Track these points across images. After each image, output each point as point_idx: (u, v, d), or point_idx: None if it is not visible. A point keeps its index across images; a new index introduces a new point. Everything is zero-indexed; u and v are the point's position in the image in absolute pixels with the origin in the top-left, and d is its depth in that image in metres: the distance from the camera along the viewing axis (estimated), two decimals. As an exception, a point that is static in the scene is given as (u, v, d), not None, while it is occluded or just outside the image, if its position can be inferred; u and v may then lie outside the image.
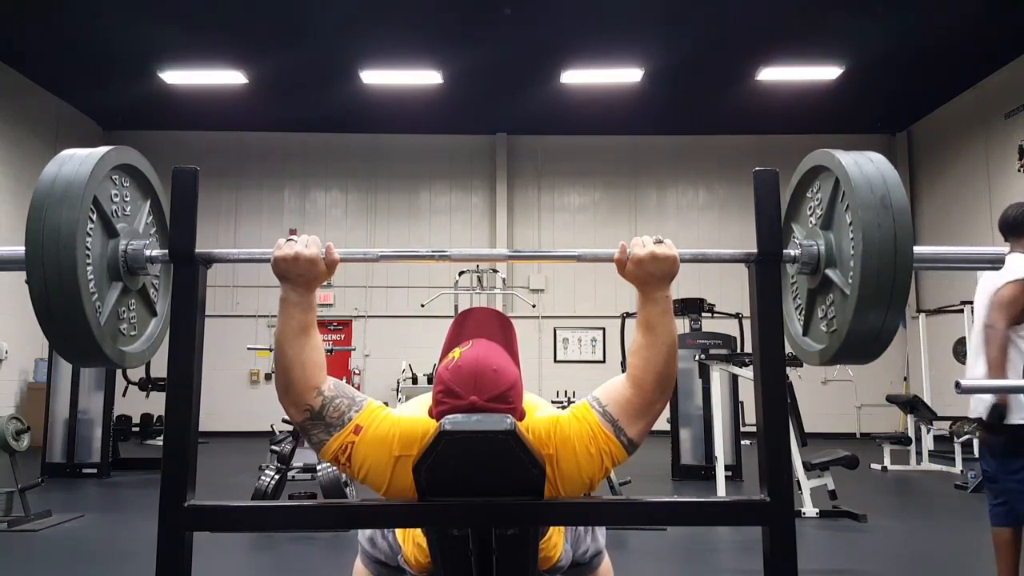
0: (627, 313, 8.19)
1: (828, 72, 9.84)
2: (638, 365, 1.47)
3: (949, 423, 8.06)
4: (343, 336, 11.81)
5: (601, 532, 1.84)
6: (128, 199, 1.57)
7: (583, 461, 1.45)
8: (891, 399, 8.50)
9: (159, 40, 9.04)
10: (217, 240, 11.51)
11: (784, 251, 1.53)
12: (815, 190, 1.60)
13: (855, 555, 4.12)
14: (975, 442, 8.21)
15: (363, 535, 1.78)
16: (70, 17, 8.47)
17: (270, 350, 7.52)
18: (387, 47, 9.25)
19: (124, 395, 7.65)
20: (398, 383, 9.01)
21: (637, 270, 1.47)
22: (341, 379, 1.55)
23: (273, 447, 4.81)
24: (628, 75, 9.91)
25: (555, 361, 11.87)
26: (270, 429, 5.58)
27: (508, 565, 1.46)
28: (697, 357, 6.11)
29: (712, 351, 6.13)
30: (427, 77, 9.98)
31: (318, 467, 4.58)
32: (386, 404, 1.58)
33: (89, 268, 1.39)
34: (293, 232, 1.49)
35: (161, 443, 1.68)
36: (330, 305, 11.76)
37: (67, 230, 1.33)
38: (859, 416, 11.60)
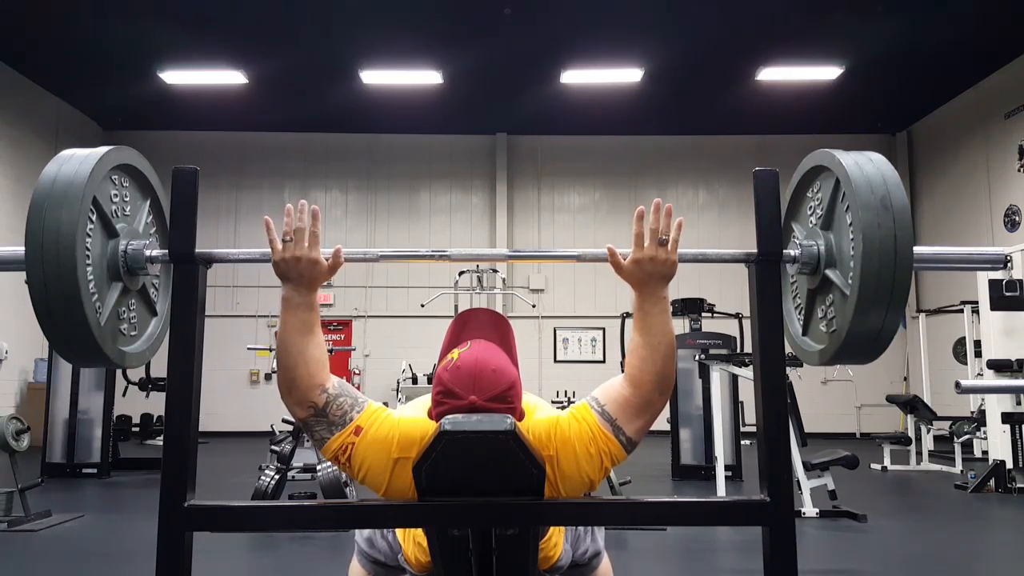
0: (627, 313, 8.19)
1: (828, 72, 9.84)
2: (635, 364, 1.47)
3: (949, 423, 8.08)
4: (343, 336, 11.81)
5: (600, 533, 1.84)
6: (128, 199, 1.57)
7: (583, 462, 1.45)
8: (891, 399, 8.50)
9: (159, 40, 9.04)
10: (217, 240, 11.50)
11: (784, 251, 1.53)
12: (815, 190, 1.60)
13: (855, 555, 4.12)
14: (975, 442, 8.23)
15: (361, 535, 1.78)
16: (70, 17, 8.47)
17: (270, 350, 7.51)
18: (387, 47, 9.25)
19: (124, 395, 7.65)
20: (398, 383, 9.02)
21: (635, 269, 1.46)
22: (341, 379, 1.55)
23: (273, 447, 4.81)
24: (628, 75, 9.91)
25: (555, 361, 11.87)
26: (270, 429, 5.58)
27: (508, 565, 1.46)
28: (697, 357, 6.11)
29: (712, 351, 6.13)
30: (427, 77, 9.97)
31: (318, 467, 4.58)
32: (385, 404, 1.58)
33: (89, 268, 1.39)
34: (293, 232, 1.49)
35: (161, 443, 1.68)
36: (330, 305, 11.76)
37: (67, 230, 1.33)
38: (859, 416, 11.61)
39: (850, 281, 1.41)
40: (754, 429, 1.55)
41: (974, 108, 10.52)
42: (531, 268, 12.00)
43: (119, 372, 7.20)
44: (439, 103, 10.87)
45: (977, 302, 6.94)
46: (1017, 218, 9.58)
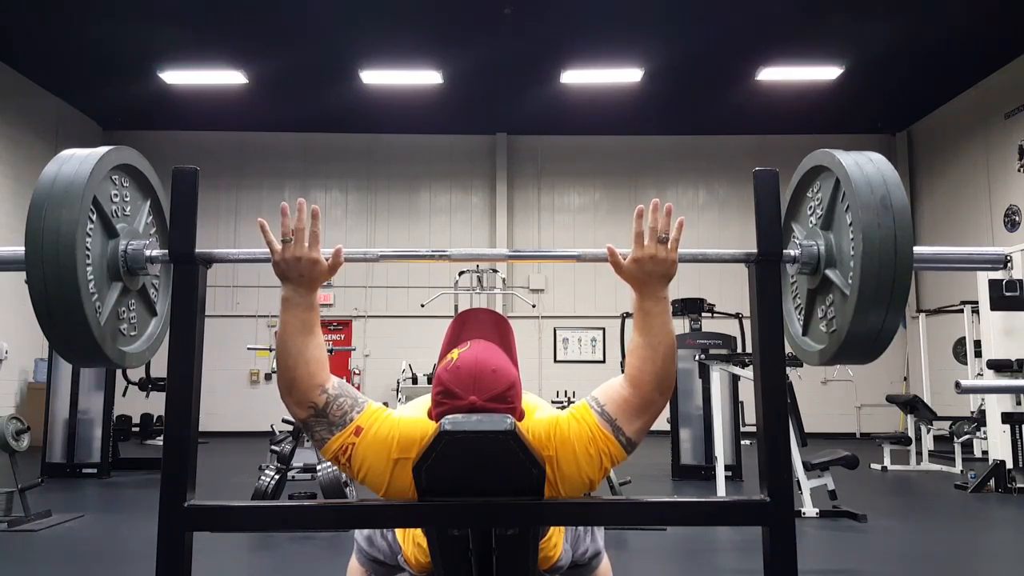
0: (627, 313, 8.18)
1: (828, 72, 9.84)
2: (635, 365, 1.47)
3: (949, 423, 8.08)
4: (343, 336, 11.81)
5: (600, 533, 1.84)
6: (128, 199, 1.57)
7: (583, 462, 1.45)
8: (891, 399, 8.50)
9: (159, 40, 9.04)
10: (217, 240, 11.51)
11: (784, 251, 1.53)
12: (815, 190, 1.60)
13: (855, 555, 4.12)
14: (975, 442, 8.23)
15: (360, 534, 1.78)
16: (70, 17, 8.47)
17: (270, 350, 7.54)
18: (387, 47, 9.25)
19: (124, 395, 7.65)
20: (398, 383, 9.02)
21: (635, 269, 1.46)
22: (341, 379, 1.54)
23: (273, 447, 4.81)
24: (628, 75, 9.91)
25: (555, 361, 11.87)
26: (270, 429, 5.58)
27: (508, 565, 1.46)
28: (697, 357, 6.11)
29: (712, 351, 6.13)
30: (427, 77, 9.98)
31: (318, 467, 4.58)
32: (385, 404, 1.58)
33: (89, 268, 1.39)
34: (293, 232, 1.48)
35: (161, 443, 1.68)
36: (330, 305, 11.76)
37: (67, 230, 1.33)
38: (859, 416, 11.61)
39: (850, 281, 1.41)
40: (754, 429, 1.55)
41: (974, 108, 10.52)
42: (531, 268, 12.00)
43: (119, 372, 7.20)
44: (439, 103, 10.87)
45: (977, 302, 6.94)
46: (1017, 218, 9.58)
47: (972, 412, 7.91)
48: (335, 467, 1.97)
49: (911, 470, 7.63)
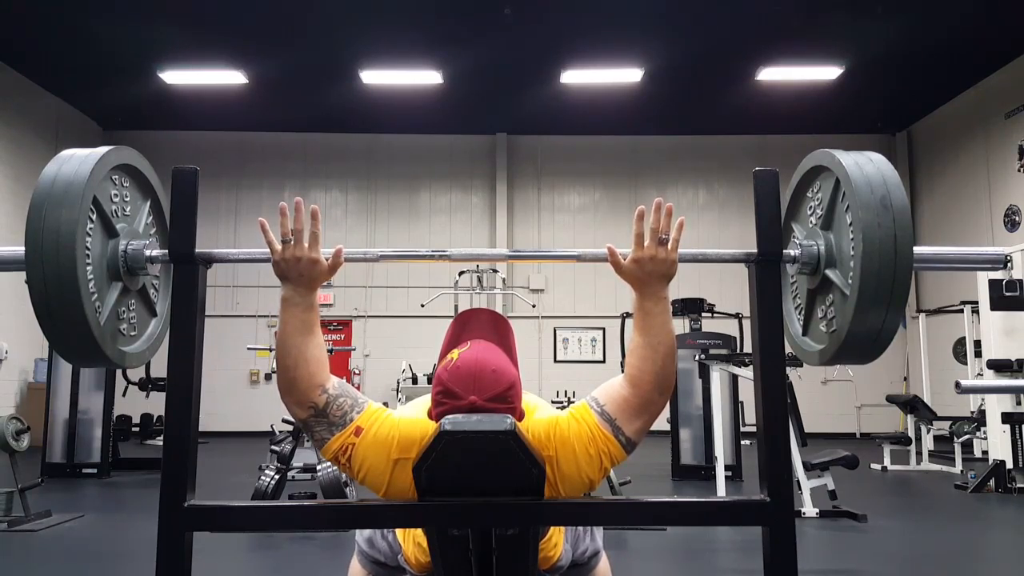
0: (627, 313, 8.18)
1: (828, 72, 9.84)
2: (635, 364, 1.47)
3: (949, 423, 8.08)
4: (343, 336, 11.81)
5: (599, 532, 1.84)
6: (128, 199, 1.57)
7: (583, 462, 1.45)
8: (891, 399, 8.50)
9: (159, 40, 9.04)
10: (217, 240, 11.50)
11: (784, 251, 1.52)
12: (815, 190, 1.60)
13: (855, 555, 4.12)
14: (975, 442, 8.23)
15: (361, 535, 1.78)
16: (70, 17, 8.47)
17: (270, 350, 7.55)
18: (387, 47, 9.25)
19: (124, 395, 7.65)
20: (398, 383, 9.03)
21: (636, 269, 1.46)
22: (341, 379, 1.54)
23: (273, 447, 4.81)
24: (628, 75, 9.91)
25: (555, 361, 11.87)
26: (270, 429, 5.58)
27: (508, 565, 1.46)
28: (697, 357, 6.11)
29: (712, 351, 6.13)
30: (427, 77, 9.98)
31: (318, 467, 4.58)
32: (385, 404, 1.58)
33: (89, 268, 1.39)
34: (293, 232, 1.48)
35: (161, 443, 1.68)
36: (330, 305, 11.77)
37: (67, 230, 1.33)
38: (859, 416, 11.61)
39: (850, 281, 1.41)
40: (754, 429, 1.55)
41: (974, 108, 10.52)
42: (531, 268, 12.00)
43: (119, 372, 7.20)
44: (439, 103, 10.87)
45: (977, 302, 6.94)
46: (1017, 218, 9.58)
47: (972, 412, 7.91)
48: (335, 467, 1.97)
49: (911, 470, 7.63)
